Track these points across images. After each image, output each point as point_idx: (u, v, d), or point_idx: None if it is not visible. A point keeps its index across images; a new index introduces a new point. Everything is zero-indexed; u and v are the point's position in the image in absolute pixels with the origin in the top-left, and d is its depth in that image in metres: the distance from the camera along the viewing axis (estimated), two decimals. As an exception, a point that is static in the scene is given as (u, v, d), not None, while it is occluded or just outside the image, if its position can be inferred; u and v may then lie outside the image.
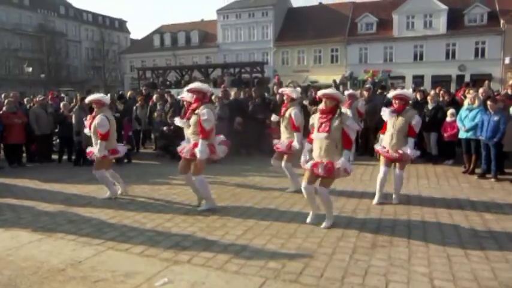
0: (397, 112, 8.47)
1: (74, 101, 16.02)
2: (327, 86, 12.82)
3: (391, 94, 8.88)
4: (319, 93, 7.15)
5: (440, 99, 13.92)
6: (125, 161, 13.94)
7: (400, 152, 8.35)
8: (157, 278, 5.27)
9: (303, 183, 7.18)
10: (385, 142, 8.63)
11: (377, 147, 8.86)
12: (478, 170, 11.37)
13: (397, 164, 8.68)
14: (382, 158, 8.76)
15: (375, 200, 8.61)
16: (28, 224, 7.57)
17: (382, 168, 8.66)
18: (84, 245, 6.49)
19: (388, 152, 8.49)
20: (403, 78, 48.32)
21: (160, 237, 6.80)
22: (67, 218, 7.89)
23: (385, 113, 8.61)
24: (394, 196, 8.74)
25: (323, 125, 6.92)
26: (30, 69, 50.92)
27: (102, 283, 5.19)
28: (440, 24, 49.98)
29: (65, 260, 5.89)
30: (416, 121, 8.39)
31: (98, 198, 9.26)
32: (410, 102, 9.73)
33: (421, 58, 51.03)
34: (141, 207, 8.59)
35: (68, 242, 6.64)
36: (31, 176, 11.93)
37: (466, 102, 11.99)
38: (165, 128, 14.56)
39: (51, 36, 65.72)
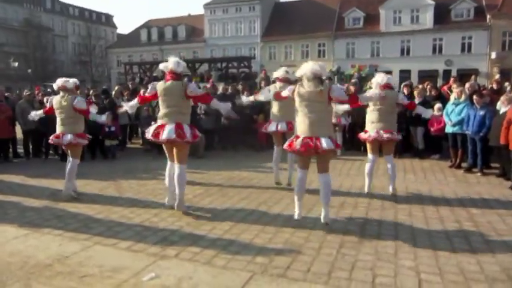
0: None
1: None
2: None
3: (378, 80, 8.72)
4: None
5: (427, 93, 13.98)
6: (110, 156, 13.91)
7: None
8: (144, 273, 5.26)
9: None
10: None
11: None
12: (464, 164, 11.47)
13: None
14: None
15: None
16: (14, 220, 7.51)
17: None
18: (71, 240, 6.45)
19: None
20: (390, 72, 48.53)
21: (148, 232, 6.78)
22: (54, 213, 7.85)
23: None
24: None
25: None
26: (16, 64, 50.55)
27: (89, 278, 5.16)
28: (427, 19, 50.24)
29: (51, 255, 5.85)
30: None
31: (85, 194, 9.20)
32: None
33: (408, 53, 51.33)
34: (128, 202, 8.56)
35: (54, 237, 6.60)
36: (17, 172, 11.83)
37: (452, 97, 12.06)
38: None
39: (37, 31, 65.19)
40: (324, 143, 6.57)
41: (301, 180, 7.04)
